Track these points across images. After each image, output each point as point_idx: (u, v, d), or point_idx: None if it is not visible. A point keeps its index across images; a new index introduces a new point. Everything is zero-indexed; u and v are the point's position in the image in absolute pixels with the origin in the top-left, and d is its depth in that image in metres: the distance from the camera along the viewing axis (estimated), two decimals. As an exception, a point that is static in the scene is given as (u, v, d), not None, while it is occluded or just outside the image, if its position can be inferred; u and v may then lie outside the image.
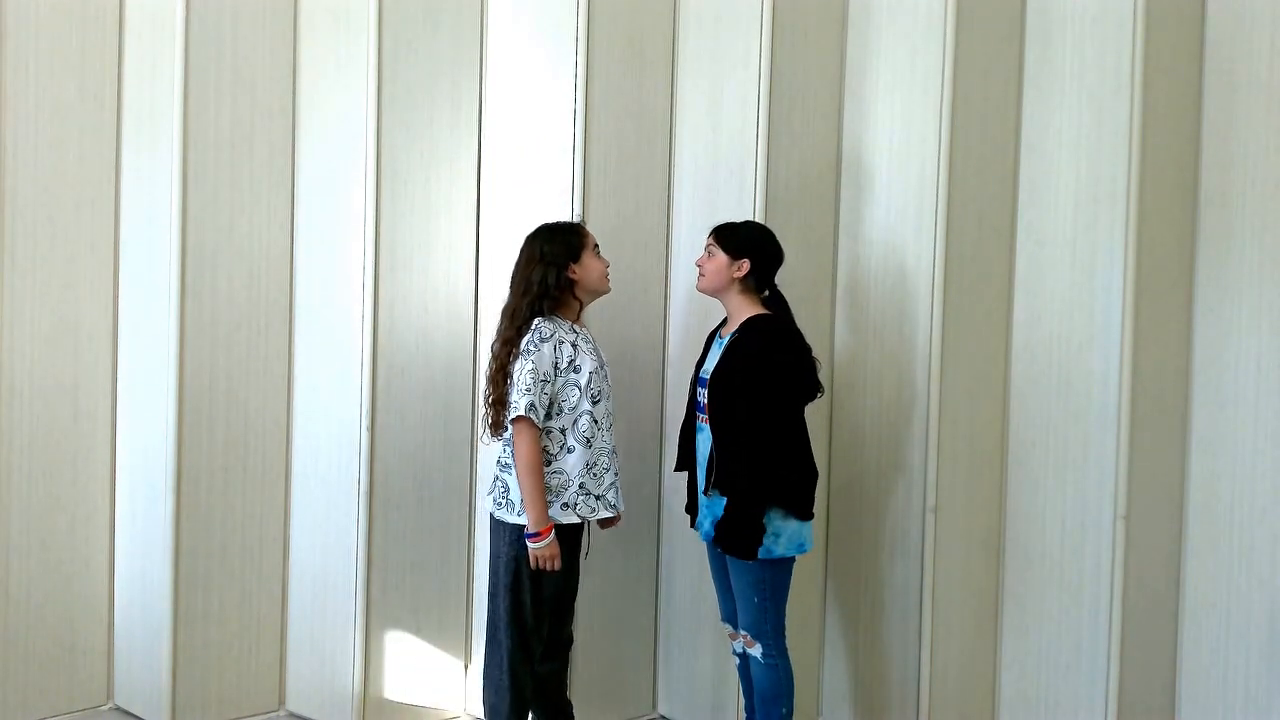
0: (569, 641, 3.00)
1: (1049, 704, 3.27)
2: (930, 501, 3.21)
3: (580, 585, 2.97)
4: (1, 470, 3.25)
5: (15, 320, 3.25)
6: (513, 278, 2.87)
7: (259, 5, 3.27)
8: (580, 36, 3.19)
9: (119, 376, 3.40)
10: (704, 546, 3.01)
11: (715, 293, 2.87)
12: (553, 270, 2.80)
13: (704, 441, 2.83)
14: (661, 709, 3.47)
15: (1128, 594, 3.15)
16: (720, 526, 2.76)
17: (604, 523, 2.93)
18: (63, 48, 3.26)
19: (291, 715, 3.41)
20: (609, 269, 2.92)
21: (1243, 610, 3.16)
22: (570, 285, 2.83)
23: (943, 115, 3.15)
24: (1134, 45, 3.08)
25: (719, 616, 3.06)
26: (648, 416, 3.37)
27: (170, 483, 3.22)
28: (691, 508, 2.98)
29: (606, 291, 2.93)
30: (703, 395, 2.83)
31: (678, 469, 3.03)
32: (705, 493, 2.84)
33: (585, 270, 2.85)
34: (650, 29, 3.34)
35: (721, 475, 2.75)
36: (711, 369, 2.82)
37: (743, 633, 2.87)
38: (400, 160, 3.25)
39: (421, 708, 3.37)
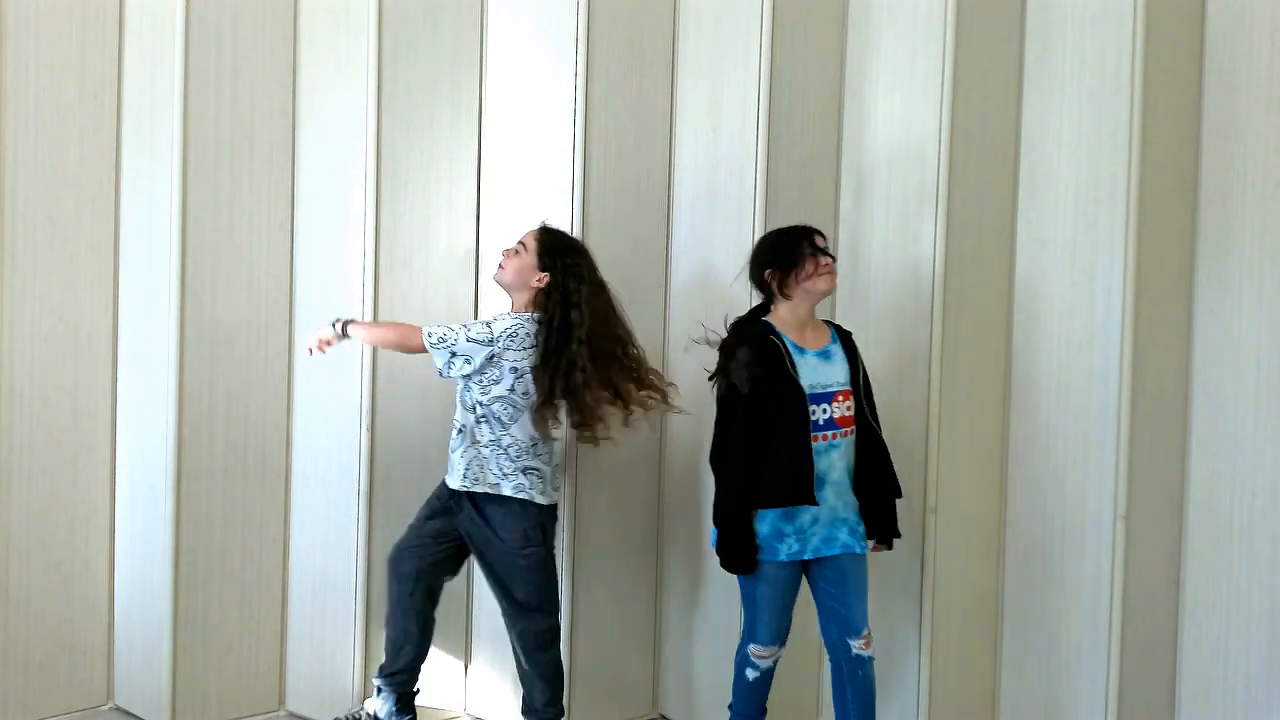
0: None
1: (1049, 704, 3.27)
2: (930, 501, 3.21)
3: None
4: (1, 470, 3.25)
5: (15, 320, 3.24)
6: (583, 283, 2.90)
7: (259, 5, 3.27)
8: (580, 36, 3.19)
9: (119, 376, 3.39)
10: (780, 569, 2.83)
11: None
12: (561, 308, 2.86)
13: (837, 456, 2.80)
14: (661, 709, 3.47)
15: (1128, 594, 3.15)
16: (887, 521, 2.90)
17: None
18: (63, 48, 3.26)
19: (291, 715, 3.41)
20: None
21: (1243, 610, 3.16)
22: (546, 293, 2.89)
23: (943, 115, 3.15)
24: (1134, 45, 3.08)
25: (768, 639, 2.88)
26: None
27: (170, 483, 3.21)
28: (756, 538, 2.79)
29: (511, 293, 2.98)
30: (829, 409, 2.78)
31: (802, 501, 2.75)
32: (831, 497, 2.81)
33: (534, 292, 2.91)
34: (650, 29, 3.34)
35: (887, 475, 2.88)
36: (839, 379, 2.83)
37: (866, 633, 2.84)
38: (400, 160, 3.25)
39: (422, 708, 3.36)
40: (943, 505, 3.22)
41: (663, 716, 3.46)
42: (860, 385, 2.86)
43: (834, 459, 2.79)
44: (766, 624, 2.86)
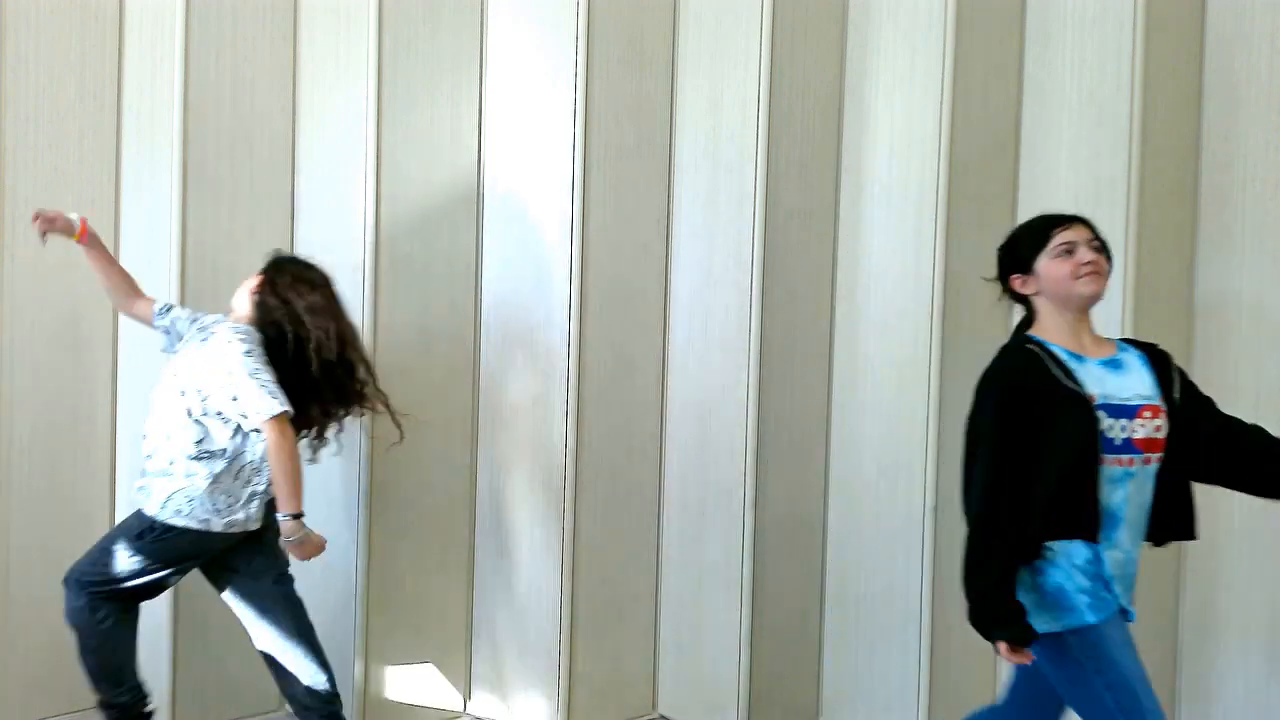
0: None
1: (1049, 704, 3.27)
2: (930, 501, 3.21)
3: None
4: (1, 470, 3.25)
5: (15, 320, 3.24)
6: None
7: (259, 5, 3.28)
8: (580, 36, 3.19)
9: (119, 376, 3.39)
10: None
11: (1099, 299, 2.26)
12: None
13: (1135, 488, 2.17)
14: (661, 709, 3.47)
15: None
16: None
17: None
18: (63, 48, 3.26)
19: (292, 715, 3.41)
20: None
21: (1243, 610, 3.16)
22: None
23: (943, 115, 3.15)
24: (1134, 45, 3.08)
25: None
26: (648, 419, 3.37)
27: (170, 483, 3.21)
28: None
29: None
30: (1129, 427, 2.16)
31: (1081, 534, 2.13)
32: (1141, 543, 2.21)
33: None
34: (650, 28, 3.34)
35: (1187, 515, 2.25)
36: (1142, 392, 2.20)
37: None
38: (400, 160, 3.25)
39: (421, 708, 3.37)
40: (943, 505, 3.22)
41: (663, 717, 3.46)
42: (1187, 407, 2.22)
43: (1131, 491, 2.15)
44: (1146, 696, 2.09)
